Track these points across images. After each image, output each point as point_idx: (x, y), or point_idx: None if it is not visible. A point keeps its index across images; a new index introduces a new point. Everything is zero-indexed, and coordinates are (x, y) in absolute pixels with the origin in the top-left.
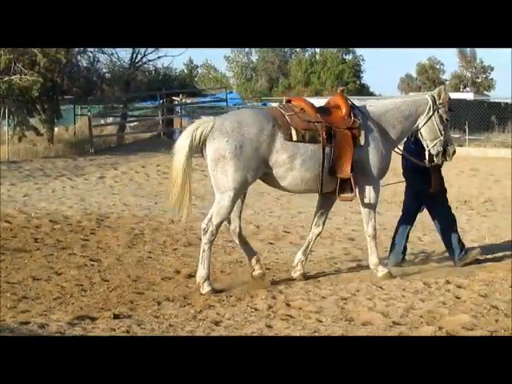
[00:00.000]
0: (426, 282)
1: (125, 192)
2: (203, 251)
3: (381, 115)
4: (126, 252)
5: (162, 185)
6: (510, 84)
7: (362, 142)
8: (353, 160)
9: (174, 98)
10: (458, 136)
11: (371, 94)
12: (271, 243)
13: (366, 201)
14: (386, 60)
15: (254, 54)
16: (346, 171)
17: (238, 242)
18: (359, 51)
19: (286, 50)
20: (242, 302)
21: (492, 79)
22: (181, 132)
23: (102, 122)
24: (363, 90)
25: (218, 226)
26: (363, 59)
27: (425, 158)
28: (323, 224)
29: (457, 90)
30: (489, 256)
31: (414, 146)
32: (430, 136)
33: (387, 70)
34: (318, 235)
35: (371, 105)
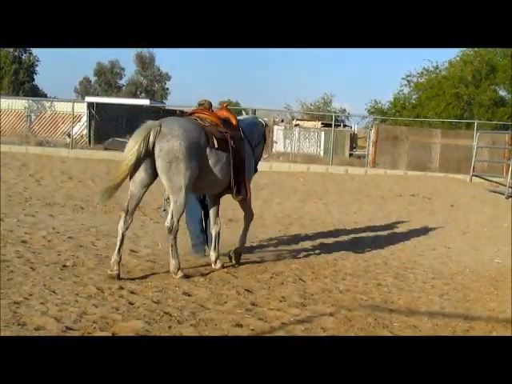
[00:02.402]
0: (100, 288)
1: None
2: (172, 246)
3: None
4: None
5: None
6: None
7: (244, 151)
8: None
9: None
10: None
11: (45, 96)
12: None
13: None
14: (63, 62)
15: None
16: (243, 175)
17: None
18: (35, 52)
19: None
20: None
21: (168, 88)
22: None
23: None
24: (37, 91)
25: (178, 222)
26: (38, 60)
27: None
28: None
29: (133, 95)
30: (162, 262)
31: None
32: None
33: (65, 72)
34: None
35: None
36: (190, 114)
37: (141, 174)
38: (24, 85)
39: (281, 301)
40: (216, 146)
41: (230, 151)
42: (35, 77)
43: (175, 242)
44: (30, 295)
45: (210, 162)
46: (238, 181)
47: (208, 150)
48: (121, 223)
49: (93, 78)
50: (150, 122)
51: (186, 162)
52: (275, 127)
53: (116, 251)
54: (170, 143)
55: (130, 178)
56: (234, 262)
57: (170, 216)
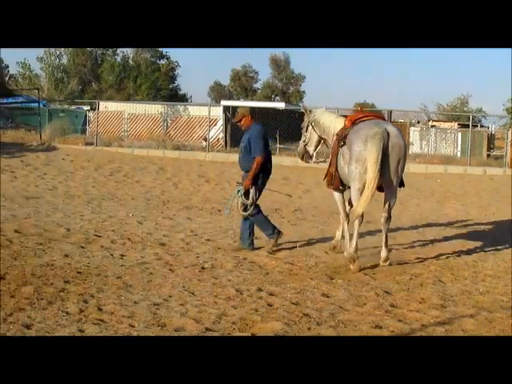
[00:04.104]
0: (238, 289)
1: None
2: (387, 234)
3: None
4: None
5: None
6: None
7: None
8: None
9: None
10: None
11: (183, 100)
12: (82, 247)
13: None
14: (199, 65)
15: (65, 57)
16: None
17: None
18: (174, 57)
19: (98, 52)
20: (53, 305)
21: (303, 91)
22: None
23: None
24: (176, 97)
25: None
26: (178, 65)
27: None
28: None
29: (269, 99)
30: (300, 264)
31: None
32: None
33: (199, 76)
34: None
35: None
36: (359, 118)
37: None
38: (161, 91)
39: (420, 302)
40: None
41: None
42: (176, 81)
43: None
44: (170, 297)
45: None
46: None
47: None
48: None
49: (228, 83)
50: (376, 129)
51: (405, 159)
52: (411, 128)
53: (353, 247)
54: (400, 144)
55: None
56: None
57: (387, 207)
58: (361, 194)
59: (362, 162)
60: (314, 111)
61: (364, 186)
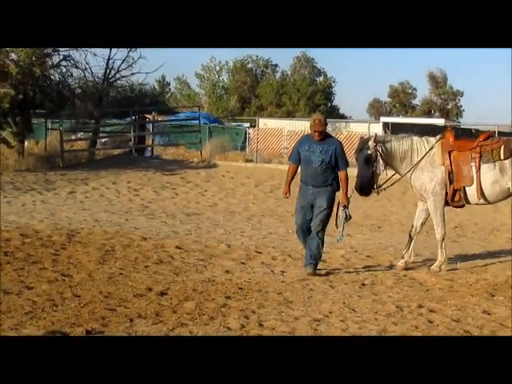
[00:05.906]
0: (399, 306)
1: (95, 208)
2: None
3: None
4: (97, 268)
5: (133, 201)
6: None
7: None
8: None
9: (146, 115)
10: None
11: (341, 117)
12: (243, 263)
13: None
14: (357, 82)
15: (225, 74)
16: None
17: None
18: (330, 73)
19: (258, 70)
20: (214, 320)
21: (461, 106)
22: (152, 150)
23: (74, 137)
24: (333, 113)
25: None
26: (335, 81)
27: None
28: None
29: (427, 115)
30: (460, 281)
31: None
32: None
33: (357, 93)
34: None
35: None
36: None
37: None
38: (320, 107)
39: None
40: None
41: None
42: (334, 98)
43: None
44: (330, 313)
45: None
46: None
47: None
48: None
49: (386, 99)
50: None
51: None
52: None
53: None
54: None
55: None
56: None
57: None
58: None
59: None
60: (383, 139)
61: None
